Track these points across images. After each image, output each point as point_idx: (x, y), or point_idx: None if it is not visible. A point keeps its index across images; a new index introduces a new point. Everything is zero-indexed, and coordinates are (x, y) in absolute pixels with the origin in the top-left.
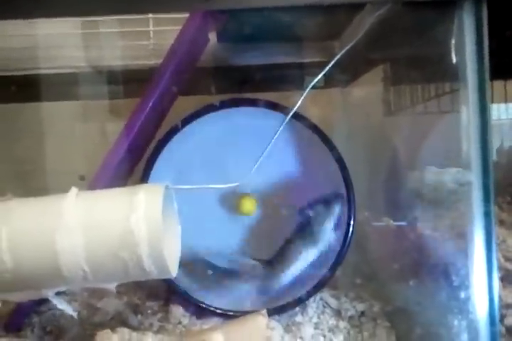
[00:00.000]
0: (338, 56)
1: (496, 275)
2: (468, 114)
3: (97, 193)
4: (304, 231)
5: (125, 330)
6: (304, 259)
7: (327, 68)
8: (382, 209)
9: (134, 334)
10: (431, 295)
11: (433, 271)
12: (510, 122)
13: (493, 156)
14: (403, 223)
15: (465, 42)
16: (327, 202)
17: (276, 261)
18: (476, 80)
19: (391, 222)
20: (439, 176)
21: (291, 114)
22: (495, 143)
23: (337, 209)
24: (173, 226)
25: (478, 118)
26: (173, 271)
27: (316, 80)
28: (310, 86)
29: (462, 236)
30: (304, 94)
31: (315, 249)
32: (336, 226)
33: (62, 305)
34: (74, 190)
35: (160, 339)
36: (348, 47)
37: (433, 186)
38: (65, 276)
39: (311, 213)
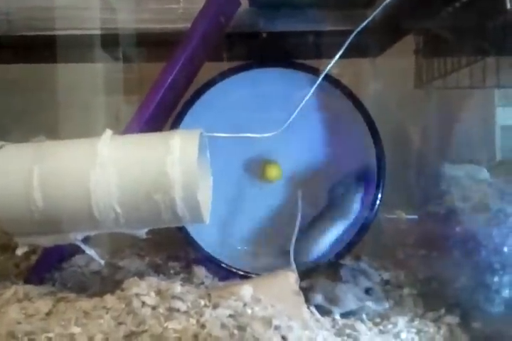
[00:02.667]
0: (364, 23)
1: None
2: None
3: (131, 136)
4: (335, 207)
5: (153, 278)
6: (333, 233)
7: (353, 35)
8: (407, 181)
9: (163, 282)
10: (465, 258)
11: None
12: None
13: None
14: (415, 216)
15: None
16: (358, 178)
17: (305, 234)
18: None
19: (403, 214)
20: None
21: (322, 75)
22: None
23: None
24: (206, 174)
25: None
26: (206, 217)
27: (344, 47)
28: (341, 50)
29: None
30: (335, 59)
31: (344, 223)
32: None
33: (89, 250)
34: (108, 132)
35: (187, 289)
36: (373, 15)
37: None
38: (96, 218)
39: (341, 190)
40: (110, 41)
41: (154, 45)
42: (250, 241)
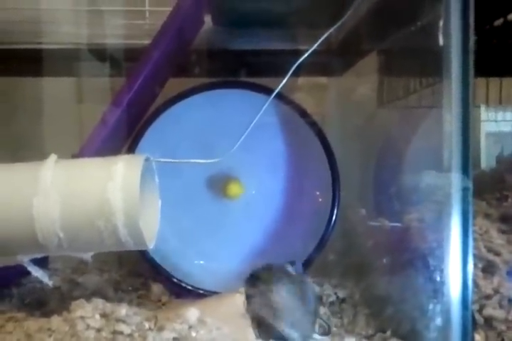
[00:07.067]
0: (316, 44)
1: (471, 259)
2: (449, 105)
3: (76, 161)
4: None
5: (99, 301)
6: None
7: (307, 53)
8: (370, 200)
9: (108, 304)
10: (409, 282)
11: (412, 259)
12: None
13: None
14: (398, 224)
15: (450, 27)
16: None
17: None
18: (459, 68)
19: (386, 222)
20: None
21: (274, 94)
22: None
23: None
24: (153, 199)
25: (459, 108)
26: (150, 242)
27: (295, 66)
28: (292, 69)
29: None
30: (286, 77)
31: None
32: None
33: (37, 272)
34: (53, 157)
35: (134, 311)
36: (325, 36)
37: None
38: (40, 243)
39: None
40: (79, 56)
41: (124, 60)
42: (211, 258)
